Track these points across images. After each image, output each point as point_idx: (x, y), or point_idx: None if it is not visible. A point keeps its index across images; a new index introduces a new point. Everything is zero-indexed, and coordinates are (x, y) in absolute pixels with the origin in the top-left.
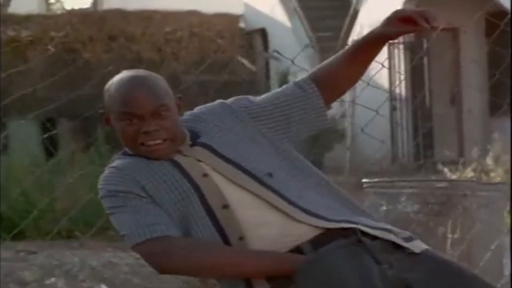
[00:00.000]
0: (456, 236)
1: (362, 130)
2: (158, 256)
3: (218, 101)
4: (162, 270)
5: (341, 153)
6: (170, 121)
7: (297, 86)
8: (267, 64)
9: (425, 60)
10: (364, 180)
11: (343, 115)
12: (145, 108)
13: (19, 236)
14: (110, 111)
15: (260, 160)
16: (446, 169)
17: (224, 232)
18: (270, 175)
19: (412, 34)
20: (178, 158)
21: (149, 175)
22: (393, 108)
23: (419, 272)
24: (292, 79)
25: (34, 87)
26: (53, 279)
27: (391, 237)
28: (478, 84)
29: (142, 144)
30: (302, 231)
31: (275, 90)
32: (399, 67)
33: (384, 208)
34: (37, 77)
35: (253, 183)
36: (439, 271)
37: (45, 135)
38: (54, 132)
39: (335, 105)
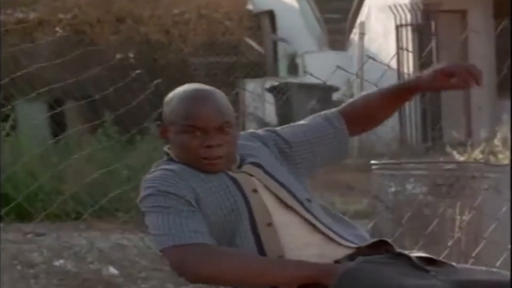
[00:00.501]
0: (464, 217)
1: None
2: (193, 262)
3: (249, 130)
4: (194, 276)
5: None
6: (232, 137)
7: (328, 121)
8: (275, 46)
9: (434, 41)
10: (372, 162)
11: (351, 96)
12: (210, 123)
13: (27, 218)
14: (171, 123)
15: (296, 186)
16: (454, 151)
17: (264, 249)
18: (309, 200)
19: (419, 16)
20: (232, 172)
21: (203, 183)
22: None
23: (462, 277)
24: (299, 61)
25: (41, 67)
26: (61, 261)
27: (422, 254)
28: (486, 66)
29: (205, 158)
30: (338, 253)
31: (304, 122)
32: (408, 48)
33: (393, 190)
34: (45, 60)
35: (298, 205)
36: (478, 271)
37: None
38: (63, 119)
39: (342, 86)
